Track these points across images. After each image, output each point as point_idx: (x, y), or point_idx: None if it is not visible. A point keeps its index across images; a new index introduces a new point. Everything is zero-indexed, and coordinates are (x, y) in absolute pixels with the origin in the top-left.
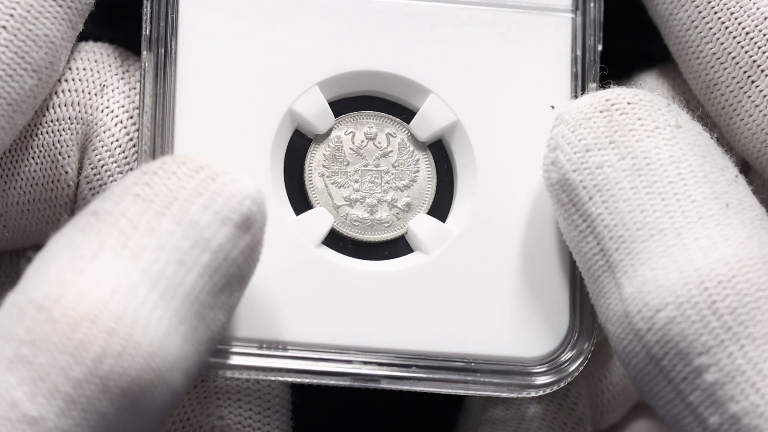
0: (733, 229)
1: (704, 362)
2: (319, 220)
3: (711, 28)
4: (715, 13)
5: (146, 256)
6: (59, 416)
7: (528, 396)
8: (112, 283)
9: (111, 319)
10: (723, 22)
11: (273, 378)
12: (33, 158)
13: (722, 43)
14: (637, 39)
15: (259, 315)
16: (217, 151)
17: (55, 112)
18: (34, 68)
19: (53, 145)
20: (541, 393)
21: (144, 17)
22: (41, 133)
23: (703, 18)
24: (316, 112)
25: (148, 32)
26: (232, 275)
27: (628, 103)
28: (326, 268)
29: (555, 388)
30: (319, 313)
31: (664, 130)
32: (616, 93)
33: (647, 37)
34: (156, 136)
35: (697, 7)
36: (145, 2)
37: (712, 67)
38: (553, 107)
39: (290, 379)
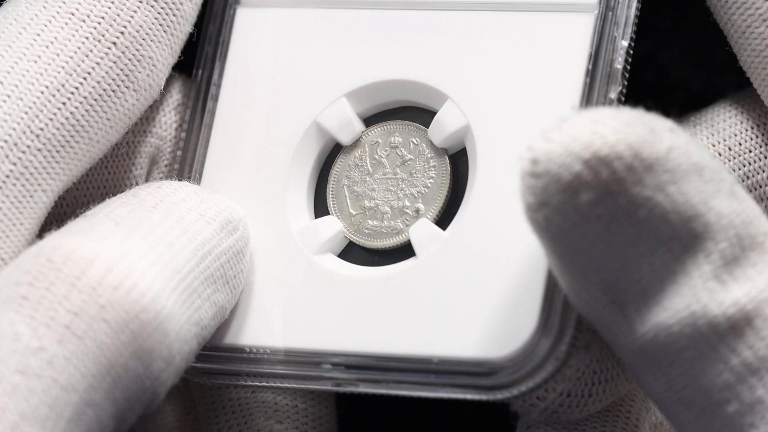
0: (742, 263)
1: (725, 396)
2: (322, 228)
3: None
4: None
5: (136, 235)
6: (60, 344)
7: (494, 398)
8: (108, 243)
9: (109, 262)
10: None
11: (251, 384)
12: (107, 167)
13: None
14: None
15: (244, 320)
16: (245, 161)
17: (133, 126)
18: (135, 88)
19: (129, 156)
20: (507, 395)
21: (202, 41)
22: (119, 145)
23: None
24: (339, 123)
25: (202, 54)
26: (217, 271)
27: (615, 141)
28: (312, 275)
29: (522, 389)
30: (299, 318)
31: (657, 164)
32: (598, 132)
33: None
34: (197, 145)
35: None
36: (206, 24)
37: None
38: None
39: (268, 385)
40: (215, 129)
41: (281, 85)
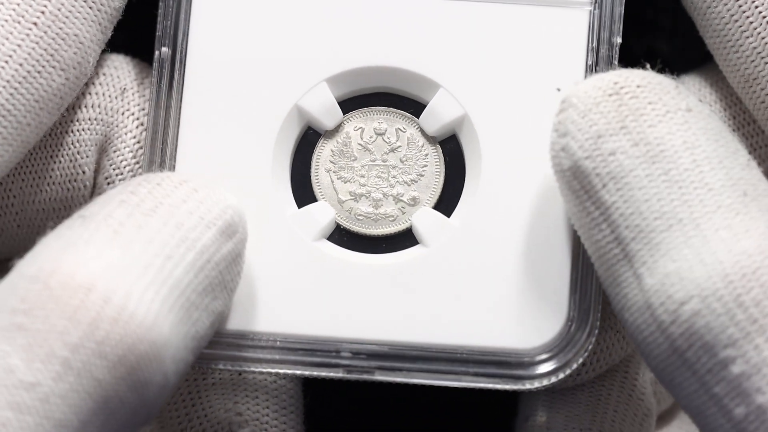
0: (753, 219)
1: (730, 354)
2: (318, 213)
3: (752, 23)
4: (756, 7)
5: (135, 247)
6: (56, 381)
7: (524, 388)
8: (106, 261)
9: (107, 289)
10: (765, 17)
11: (265, 370)
12: (52, 157)
13: (763, 38)
14: (643, 37)
15: (250, 306)
16: (221, 144)
17: (75, 113)
18: (62, 67)
19: (72, 144)
20: (536, 385)
21: (159, 17)
22: (61, 132)
23: (744, 12)
24: (322, 108)
25: (161, 31)
26: (215, 279)
27: (638, 86)
28: (320, 261)
29: (553, 380)
30: (310, 305)
31: (676, 114)
32: (624, 76)
33: (655, 36)
34: (166, 128)
35: (737, 1)
36: (160, 3)
37: (753, 61)
38: (559, 89)
39: (282, 371)
40: (184, 112)
41: (256, 67)
